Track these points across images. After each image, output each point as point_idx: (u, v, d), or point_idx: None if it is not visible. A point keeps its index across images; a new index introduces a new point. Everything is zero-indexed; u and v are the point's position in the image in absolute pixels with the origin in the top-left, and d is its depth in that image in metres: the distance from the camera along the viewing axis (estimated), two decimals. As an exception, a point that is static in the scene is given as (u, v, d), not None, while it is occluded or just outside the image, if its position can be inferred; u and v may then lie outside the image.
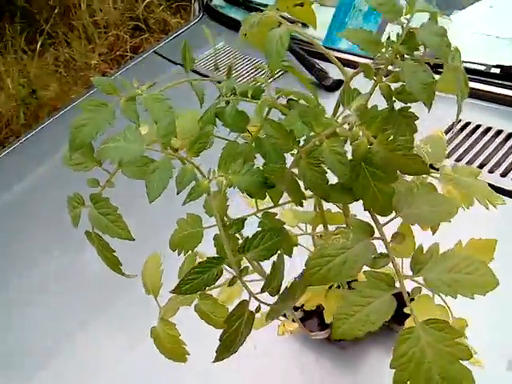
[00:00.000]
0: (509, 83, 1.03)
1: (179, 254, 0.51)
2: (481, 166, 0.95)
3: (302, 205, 0.40)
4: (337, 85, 1.27)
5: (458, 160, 0.98)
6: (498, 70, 1.05)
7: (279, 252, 0.40)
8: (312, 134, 0.37)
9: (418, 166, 0.35)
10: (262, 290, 0.39)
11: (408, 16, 0.40)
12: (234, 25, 1.56)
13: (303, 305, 0.57)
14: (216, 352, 0.41)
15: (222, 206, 0.46)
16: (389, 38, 0.42)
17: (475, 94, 1.08)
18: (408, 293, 0.36)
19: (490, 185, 0.88)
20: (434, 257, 0.36)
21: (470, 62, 1.09)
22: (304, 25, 1.44)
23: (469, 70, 1.07)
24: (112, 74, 1.90)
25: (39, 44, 2.75)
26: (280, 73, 1.41)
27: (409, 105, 0.41)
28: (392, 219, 0.38)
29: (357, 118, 0.36)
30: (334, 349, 0.74)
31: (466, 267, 0.35)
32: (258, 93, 0.45)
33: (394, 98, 0.40)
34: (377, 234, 0.38)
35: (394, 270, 0.36)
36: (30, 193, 1.29)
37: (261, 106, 0.43)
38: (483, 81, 1.07)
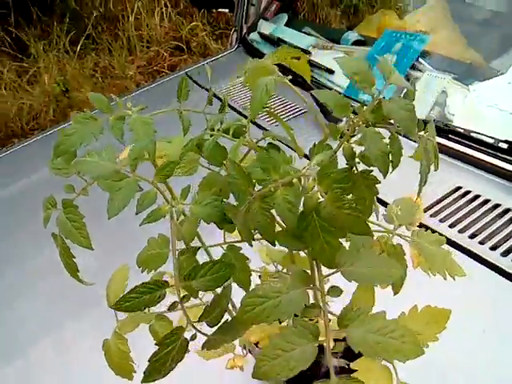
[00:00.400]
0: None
1: (142, 272, 0.53)
2: (472, 236, 0.96)
3: (251, 244, 0.42)
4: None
5: (451, 226, 0.99)
6: (505, 146, 1.06)
7: (225, 284, 0.42)
8: (272, 180, 0.39)
9: (361, 226, 0.37)
10: (200, 319, 0.41)
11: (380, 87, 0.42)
12: (263, 60, 1.62)
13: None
14: (144, 373, 0.42)
15: (190, 232, 0.48)
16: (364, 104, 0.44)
17: (480, 165, 1.10)
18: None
19: (478, 256, 0.92)
20: (363, 316, 0.37)
21: (480, 133, 1.11)
22: (329, 71, 1.49)
23: (477, 141, 1.11)
24: (145, 86, 1.97)
25: (81, 46, 2.87)
26: (300, 112, 1.46)
27: (371, 168, 0.43)
28: (333, 273, 0.40)
29: (315, 172, 0.38)
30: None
31: (391, 331, 0.36)
32: (238, 132, 0.47)
33: (357, 160, 0.42)
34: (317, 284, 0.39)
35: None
36: (39, 185, 1.33)
37: (237, 145, 0.46)
38: (490, 153, 1.09)
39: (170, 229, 0.47)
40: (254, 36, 1.85)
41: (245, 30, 1.91)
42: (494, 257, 0.92)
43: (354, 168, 0.42)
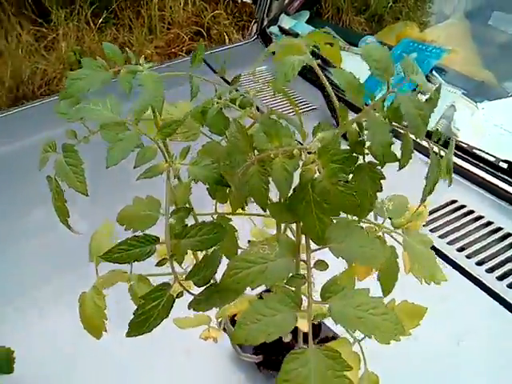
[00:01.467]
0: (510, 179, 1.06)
1: (126, 230, 0.52)
2: (460, 250, 0.98)
3: (243, 208, 0.43)
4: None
5: (441, 236, 1.00)
6: (505, 165, 1.07)
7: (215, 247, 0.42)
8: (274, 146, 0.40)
9: (352, 206, 0.37)
10: (187, 278, 0.41)
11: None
12: (280, 54, 1.62)
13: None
14: (128, 325, 0.42)
15: (183, 195, 0.49)
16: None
17: (478, 182, 1.11)
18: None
19: (463, 269, 0.93)
20: (345, 290, 0.38)
21: (482, 151, 1.12)
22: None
23: (479, 158, 1.12)
24: (159, 64, 1.97)
25: (103, 19, 2.87)
26: (310, 108, 1.46)
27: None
28: (321, 248, 0.41)
29: (316, 146, 0.39)
30: (260, 377, 0.75)
31: (373, 308, 0.37)
32: (245, 103, 0.48)
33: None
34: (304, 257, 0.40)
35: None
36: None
37: (243, 115, 0.46)
38: (489, 171, 1.10)
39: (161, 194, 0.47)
40: (273, 29, 1.85)
41: (265, 23, 1.92)
42: (478, 272, 0.93)
43: (362, 158, 0.42)
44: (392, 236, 0.54)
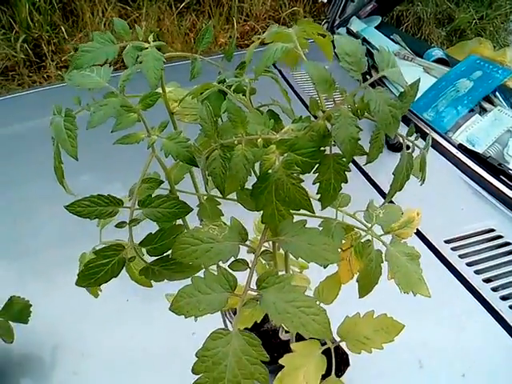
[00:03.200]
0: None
1: None
2: (487, 281, 0.94)
3: (206, 190, 0.43)
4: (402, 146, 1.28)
5: (469, 264, 0.97)
6: None
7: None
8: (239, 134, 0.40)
9: (301, 199, 0.37)
10: (140, 243, 0.43)
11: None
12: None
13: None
14: (77, 275, 0.44)
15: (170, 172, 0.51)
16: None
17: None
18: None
19: (487, 302, 0.88)
20: (282, 284, 0.37)
21: None
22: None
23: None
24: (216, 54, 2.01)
25: (185, 4, 2.96)
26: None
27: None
28: (273, 240, 0.41)
29: (277, 136, 0.39)
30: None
31: (306, 307, 0.37)
32: (238, 89, 0.49)
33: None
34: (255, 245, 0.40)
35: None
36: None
37: (231, 99, 0.47)
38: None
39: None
40: (341, 30, 1.83)
41: (336, 23, 1.90)
42: (501, 306, 0.88)
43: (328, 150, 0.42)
44: (380, 240, 0.52)
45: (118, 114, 0.43)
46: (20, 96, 1.65)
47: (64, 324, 0.88)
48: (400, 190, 0.45)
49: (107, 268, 0.42)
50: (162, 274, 0.45)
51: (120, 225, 0.43)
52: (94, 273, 0.42)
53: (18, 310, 0.79)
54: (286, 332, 0.71)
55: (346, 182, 0.44)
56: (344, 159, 0.42)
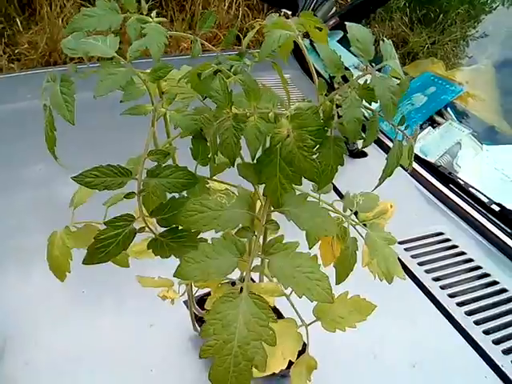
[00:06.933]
0: (501, 223, 1.07)
1: None
2: (436, 280, 0.99)
3: (214, 161, 0.44)
4: (362, 153, 1.34)
5: (420, 264, 1.02)
6: (497, 208, 1.08)
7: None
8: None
9: (311, 171, 0.39)
10: (151, 214, 0.43)
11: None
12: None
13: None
14: (87, 251, 0.44)
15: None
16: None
17: (468, 219, 1.12)
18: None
19: (435, 298, 0.94)
20: (288, 251, 0.39)
21: (477, 190, 1.14)
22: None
23: (473, 197, 1.13)
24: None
25: (148, 6, 2.93)
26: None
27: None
28: (277, 211, 0.42)
29: (290, 111, 0.41)
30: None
31: (310, 272, 0.39)
32: (236, 71, 0.50)
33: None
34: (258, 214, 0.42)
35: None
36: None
37: (232, 79, 0.49)
38: (481, 212, 1.11)
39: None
40: (305, 42, 1.89)
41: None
42: (449, 303, 0.94)
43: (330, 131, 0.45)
44: (356, 229, 0.55)
45: (126, 84, 0.44)
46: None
47: (17, 314, 0.85)
48: (390, 175, 0.49)
49: (118, 239, 0.42)
50: (170, 248, 0.45)
51: (130, 195, 0.43)
52: (105, 245, 0.42)
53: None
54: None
55: (342, 165, 0.47)
56: (343, 143, 0.45)
